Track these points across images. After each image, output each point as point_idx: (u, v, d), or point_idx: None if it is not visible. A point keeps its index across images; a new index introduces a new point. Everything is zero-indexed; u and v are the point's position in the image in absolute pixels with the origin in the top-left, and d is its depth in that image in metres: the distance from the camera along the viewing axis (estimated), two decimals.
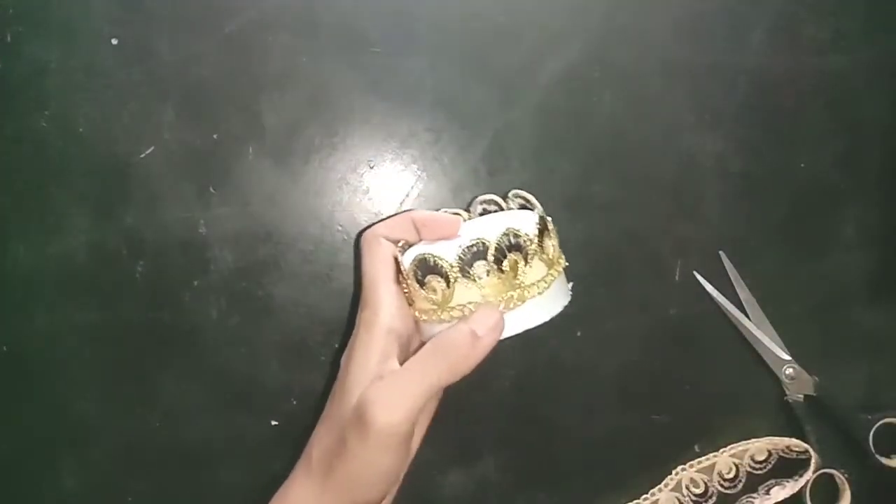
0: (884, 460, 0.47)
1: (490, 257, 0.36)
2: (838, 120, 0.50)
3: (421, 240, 0.41)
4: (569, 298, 0.39)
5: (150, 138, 0.47)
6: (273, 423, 0.48)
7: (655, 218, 0.50)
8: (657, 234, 0.50)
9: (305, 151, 0.47)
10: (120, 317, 0.47)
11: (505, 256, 0.36)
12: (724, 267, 0.50)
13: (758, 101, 0.50)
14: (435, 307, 0.37)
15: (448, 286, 0.36)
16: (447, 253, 0.36)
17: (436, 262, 0.36)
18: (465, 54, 0.48)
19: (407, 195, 0.48)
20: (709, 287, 0.49)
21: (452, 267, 0.36)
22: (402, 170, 0.48)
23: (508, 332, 0.37)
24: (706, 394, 0.50)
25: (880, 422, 0.48)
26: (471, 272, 0.36)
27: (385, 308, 0.38)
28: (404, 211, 0.42)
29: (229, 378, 0.47)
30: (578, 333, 0.49)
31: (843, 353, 0.51)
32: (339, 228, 0.48)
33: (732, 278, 0.49)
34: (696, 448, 0.49)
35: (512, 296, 0.36)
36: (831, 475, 0.48)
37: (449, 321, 0.37)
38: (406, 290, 0.39)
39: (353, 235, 0.48)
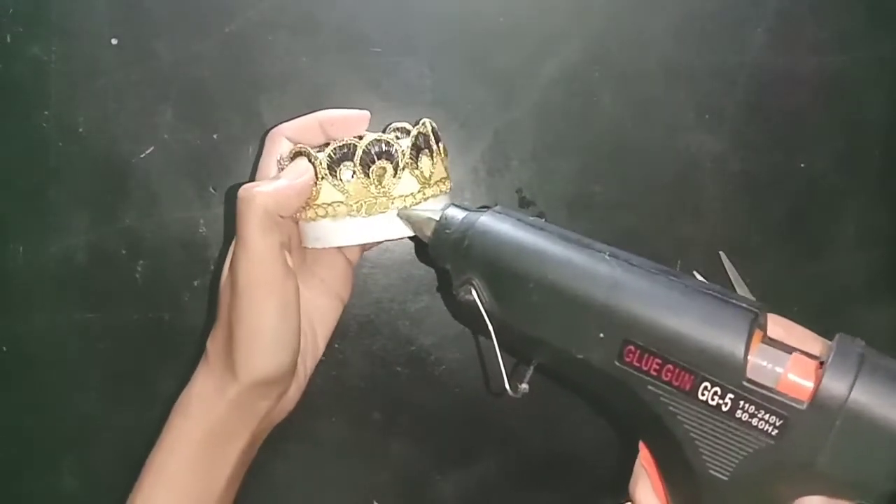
0: None
1: (357, 160, 0.36)
2: (838, 120, 0.50)
3: (328, 142, 0.40)
4: None
5: (150, 138, 0.47)
6: None
7: (655, 218, 0.50)
8: (657, 234, 0.50)
9: None
10: (120, 317, 0.47)
11: (374, 162, 0.36)
12: (724, 267, 0.50)
13: (758, 101, 0.50)
14: (305, 204, 0.37)
15: (316, 184, 0.37)
16: (321, 153, 0.37)
17: (307, 153, 0.37)
18: (465, 54, 0.48)
19: None
20: None
21: (321, 164, 0.36)
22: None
23: (369, 237, 0.38)
24: None
25: None
26: (336, 172, 0.36)
27: (269, 188, 0.38)
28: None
29: None
30: None
31: None
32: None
33: (732, 278, 0.49)
34: None
35: (374, 202, 0.37)
36: None
37: (315, 219, 0.37)
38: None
39: None
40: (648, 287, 0.31)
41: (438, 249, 0.35)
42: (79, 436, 0.47)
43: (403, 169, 0.37)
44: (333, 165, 0.37)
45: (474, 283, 0.34)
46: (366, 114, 0.40)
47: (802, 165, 0.50)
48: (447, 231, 0.35)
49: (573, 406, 0.49)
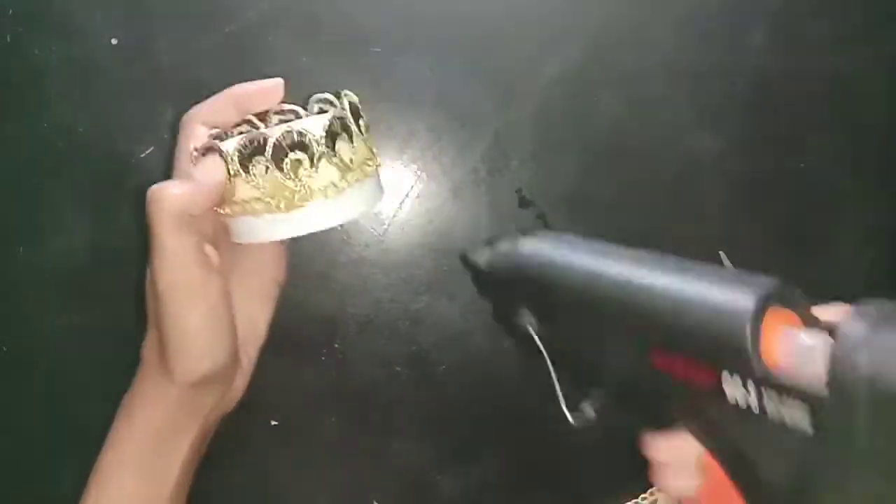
0: None
1: (268, 154, 0.34)
2: (838, 120, 0.50)
3: (247, 118, 0.38)
4: (370, 207, 0.37)
5: (150, 138, 0.47)
6: (273, 423, 0.48)
7: (655, 218, 0.50)
8: (657, 234, 0.50)
9: None
10: (120, 317, 0.47)
11: (286, 155, 0.34)
12: (723, 267, 0.50)
13: (758, 101, 0.50)
14: (223, 201, 0.35)
15: (230, 181, 0.35)
16: (230, 144, 0.35)
17: (219, 149, 0.35)
18: (465, 54, 0.48)
19: (407, 195, 0.48)
20: None
21: (232, 160, 0.34)
22: (402, 170, 0.48)
23: (293, 232, 0.35)
24: None
25: None
26: (249, 168, 0.34)
27: (182, 165, 0.37)
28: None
29: None
30: None
31: None
32: (339, 228, 0.48)
33: None
34: None
35: (292, 197, 0.34)
36: None
37: (234, 216, 0.36)
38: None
39: (353, 235, 0.48)
40: (662, 280, 0.30)
41: (490, 281, 0.34)
42: (79, 436, 0.47)
43: (320, 159, 0.34)
44: (245, 161, 0.34)
45: (525, 311, 0.33)
46: (279, 81, 0.37)
47: (802, 165, 0.50)
48: (498, 262, 0.34)
49: (573, 406, 0.49)
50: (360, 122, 0.37)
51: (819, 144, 0.50)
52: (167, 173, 0.47)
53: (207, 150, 0.35)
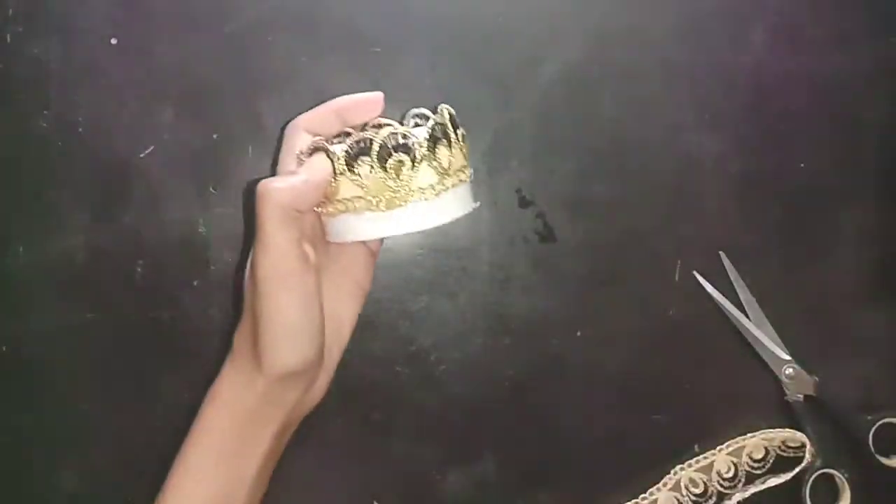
0: (884, 460, 0.47)
1: (373, 154, 0.36)
2: (838, 120, 0.50)
3: (346, 130, 0.40)
4: (464, 212, 0.39)
5: (150, 138, 0.47)
6: None
7: (655, 218, 0.50)
8: (657, 234, 0.50)
9: None
10: (120, 317, 0.47)
11: (391, 156, 0.36)
12: (724, 267, 0.50)
13: (758, 101, 0.50)
14: (325, 200, 0.38)
15: (335, 180, 0.37)
16: (339, 147, 0.37)
17: (325, 149, 0.37)
18: (465, 54, 0.48)
19: None
20: (709, 287, 0.49)
21: (339, 160, 0.37)
22: None
23: (390, 231, 0.38)
24: (706, 394, 0.50)
25: (880, 422, 0.48)
26: (354, 167, 0.36)
27: (285, 184, 0.38)
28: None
29: None
30: (578, 333, 0.49)
31: (843, 353, 0.51)
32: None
33: (732, 278, 0.49)
34: (696, 448, 0.49)
35: (393, 196, 0.37)
36: (831, 475, 0.48)
37: (335, 215, 0.38)
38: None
39: None
40: None
41: None
42: (79, 436, 0.47)
43: (421, 161, 0.37)
44: (351, 161, 0.37)
45: None
46: (379, 95, 0.40)
47: (802, 165, 0.50)
48: None
49: (572, 406, 0.49)
50: (458, 131, 0.39)
51: (819, 144, 0.50)
52: (167, 173, 0.47)
53: (315, 151, 0.38)
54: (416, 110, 0.41)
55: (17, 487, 0.47)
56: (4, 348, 0.47)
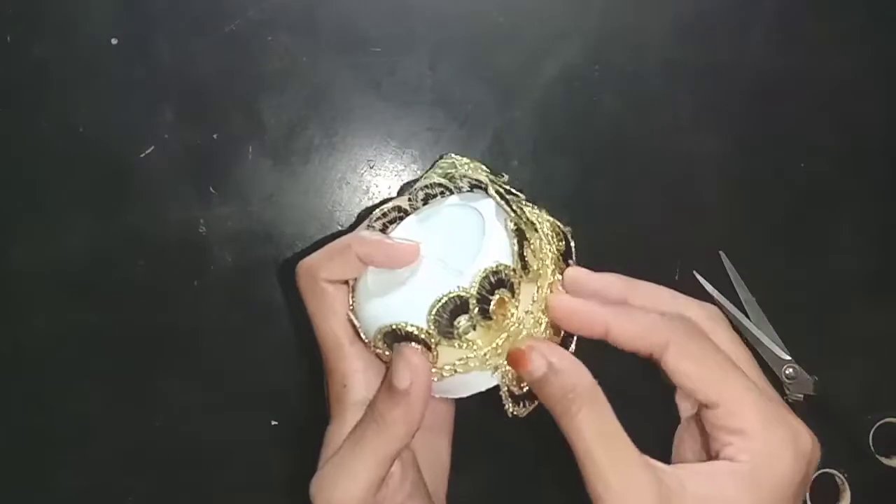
0: (884, 460, 0.47)
1: (473, 309, 0.30)
2: (838, 120, 0.50)
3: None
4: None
5: (150, 138, 0.47)
6: (273, 423, 0.48)
7: (655, 218, 0.50)
8: (657, 234, 0.50)
9: (305, 151, 0.47)
10: (120, 317, 0.47)
11: (489, 301, 0.30)
12: (724, 267, 0.50)
13: (758, 101, 0.50)
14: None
15: (430, 351, 0.30)
16: (416, 315, 0.30)
17: (407, 332, 0.30)
18: (465, 54, 0.48)
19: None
20: (709, 287, 0.49)
21: (430, 335, 0.30)
22: (402, 170, 0.48)
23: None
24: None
25: (880, 422, 0.48)
26: (453, 332, 0.30)
27: (354, 378, 0.32)
28: (340, 234, 0.36)
29: (229, 378, 0.47)
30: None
31: (843, 353, 0.51)
32: (339, 228, 0.48)
33: (732, 278, 0.49)
34: None
35: (506, 336, 0.30)
36: (831, 475, 0.48)
37: (444, 377, 0.32)
38: (378, 352, 0.33)
39: None
40: None
41: None
42: (79, 436, 0.47)
43: (519, 284, 0.30)
44: (445, 328, 0.30)
45: None
46: (416, 248, 0.32)
47: (802, 165, 0.50)
48: None
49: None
50: (526, 205, 0.33)
51: (819, 144, 0.50)
52: (167, 173, 0.47)
53: (389, 337, 0.31)
54: (424, 182, 0.35)
55: (17, 487, 0.47)
56: (4, 348, 0.47)
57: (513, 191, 0.34)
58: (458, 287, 0.30)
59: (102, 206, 0.47)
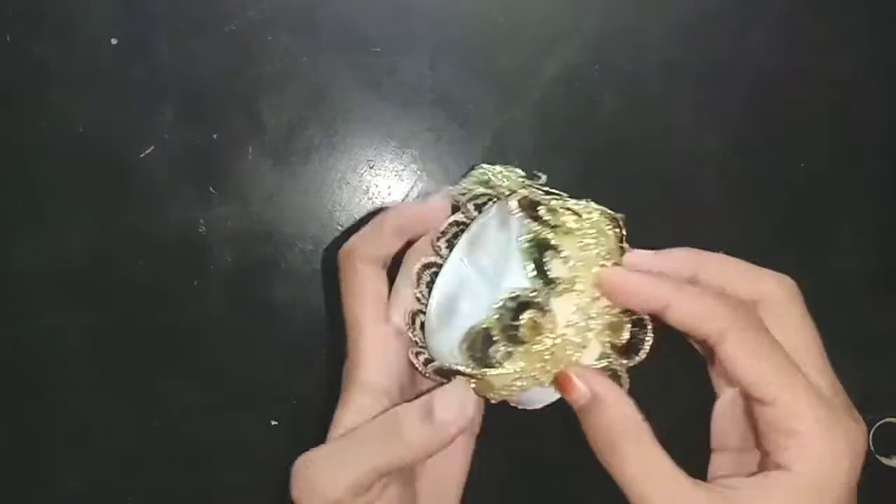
0: (884, 460, 0.47)
1: (499, 336, 0.29)
2: (838, 120, 0.50)
3: (407, 245, 0.34)
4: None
5: (150, 138, 0.47)
6: (273, 423, 0.48)
7: (655, 218, 0.50)
8: (657, 234, 0.50)
9: (305, 151, 0.47)
10: (120, 317, 0.47)
11: (517, 327, 0.29)
12: None
13: (758, 101, 0.50)
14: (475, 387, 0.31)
15: (476, 382, 0.30)
16: (450, 349, 0.30)
17: (449, 368, 0.30)
18: (465, 54, 0.48)
19: (407, 195, 0.48)
20: None
21: (471, 368, 0.30)
22: (402, 170, 0.48)
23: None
24: (707, 395, 0.50)
25: (880, 422, 0.48)
26: (492, 363, 0.29)
27: (367, 359, 0.32)
28: (376, 212, 0.36)
29: (229, 378, 0.47)
30: None
31: (843, 353, 0.51)
32: (339, 228, 0.48)
33: None
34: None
35: (552, 354, 0.29)
36: None
37: (510, 395, 0.31)
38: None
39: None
40: None
41: None
42: (79, 436, 0.47)
43: (548, 299, 0.29)
44: (482, 359, 0.29)
45: None
46: (442, 205, 0.32)
47: (802, 165, 0.50)
48: None
49: (572, 406, 0.49)
50: (567, 203, 0.32)
51: (819, 144, 0.50)
52: (167, 173, 0.47)
53: (439, 373, 0.31)
54: (469, 194, 0.33)
55: (17, 487, 0.47)
56: (4, 348, 0.47)
57: (552, 191, 0.33)
58: (477, 319, 0.29)
59: (102, 206, 0.47)
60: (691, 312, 0.29)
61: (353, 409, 0.31)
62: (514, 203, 0.31)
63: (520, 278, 0.29)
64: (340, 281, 0.33)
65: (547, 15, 0.49)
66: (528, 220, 0.30)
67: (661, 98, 0.49)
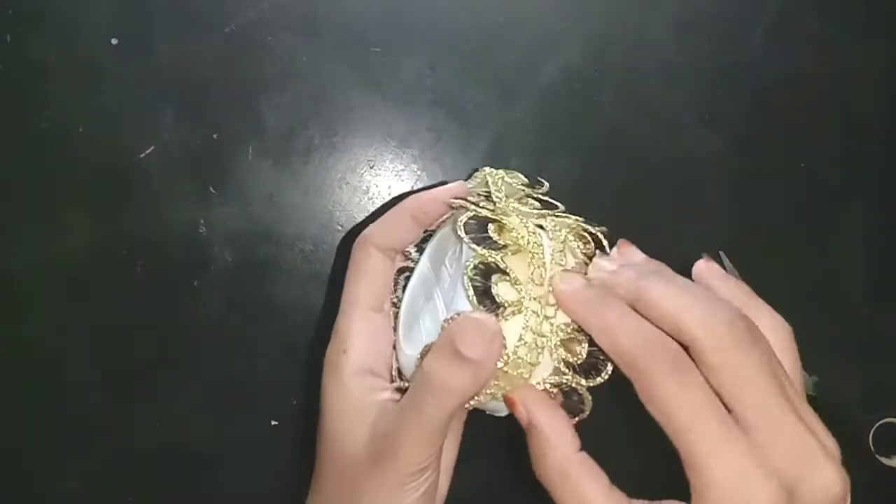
0: (884, 460, 0.47)
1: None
2: (838, 120, 0.50)
3: (424, 232, 0.33)
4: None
5: (150, 138, 0.47)
6: (273, 423, 0.48)
7: (655, 218, 0.50)
8: (657, 234, 0.50)
9: (305, 151, 0.47)
10: (120, 317, 0.47)
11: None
12: (724, 267, 0.50)
13: (758, 101, 0.50)
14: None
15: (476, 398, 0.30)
16: (411, 363, 0.31)
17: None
18: (465, 54, 0.48)
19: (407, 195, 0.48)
20: None
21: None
22: (402, 170, 0.48)
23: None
24: None
25: (880, 422, 0.48)
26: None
27: (355, 341, 0.32)
28: (377, 211, 0.36)
29: (229, 378, 0.47)
30: None
31: (843, 353, 0.51)
32: (339, 228, 0.48)
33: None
34: None
35: (505, 373, 0.29)
36: None
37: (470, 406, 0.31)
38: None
39: (353, 236, 0.48)
40: None
41: None
42: (79, 436, 0.47)
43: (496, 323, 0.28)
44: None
45: None
46: (461, 186, 0.32)
47: (802, 165, 0.50)
48: None
49: None
50: (494, 231, 0.30)
51: (819, 144, 0.50)
52: (167, 173, 0.47)
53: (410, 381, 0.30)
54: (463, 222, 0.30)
55: (17, 488, 0.47)
56: (4, 348, 0.47)
57: (546, 199, 0.33)
58: (437, 337, 0.29)
59: (102, 206, 0.47)
60: (612, 345, 0.28)
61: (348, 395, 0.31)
62: (460, 226, 0.29)
63: (467, 303, 0.28)
64: (349, 266, 0.33)
65: (547, 15, 0.49)
66: (474, 245, 0.29)
67: (661, 98, 0.49)
